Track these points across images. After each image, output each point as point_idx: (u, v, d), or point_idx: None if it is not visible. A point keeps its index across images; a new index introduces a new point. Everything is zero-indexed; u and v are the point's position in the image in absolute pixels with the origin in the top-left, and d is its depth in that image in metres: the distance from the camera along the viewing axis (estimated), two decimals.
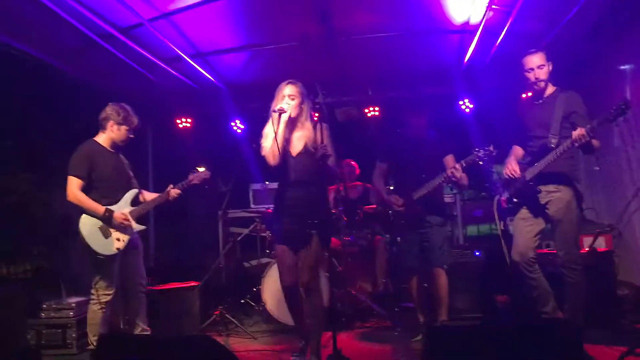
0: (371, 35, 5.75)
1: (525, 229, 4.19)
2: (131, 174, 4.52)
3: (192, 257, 7.20)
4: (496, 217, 4.44)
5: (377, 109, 7.45)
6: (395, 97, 7.29)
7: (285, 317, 5.42)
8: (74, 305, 4.95)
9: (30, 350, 4.71)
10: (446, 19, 5.46)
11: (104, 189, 4.31)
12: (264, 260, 6.23)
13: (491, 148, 4.36)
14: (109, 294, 4.26)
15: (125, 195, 4.42)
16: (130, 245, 4.37)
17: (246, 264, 7.00)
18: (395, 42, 5.97)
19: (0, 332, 4.61)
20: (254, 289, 5.98)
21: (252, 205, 7.30)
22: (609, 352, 3.89)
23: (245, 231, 6.73)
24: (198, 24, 5.30)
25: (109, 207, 4.26)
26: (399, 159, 4.93)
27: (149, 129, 7.76)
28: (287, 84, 4.14)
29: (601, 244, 5.20)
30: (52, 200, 5.74)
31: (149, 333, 4.54)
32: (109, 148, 4.44)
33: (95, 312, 4.26)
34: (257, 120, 7.25)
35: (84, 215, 4.23)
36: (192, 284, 5.55)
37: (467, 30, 5.66)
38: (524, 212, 4.24)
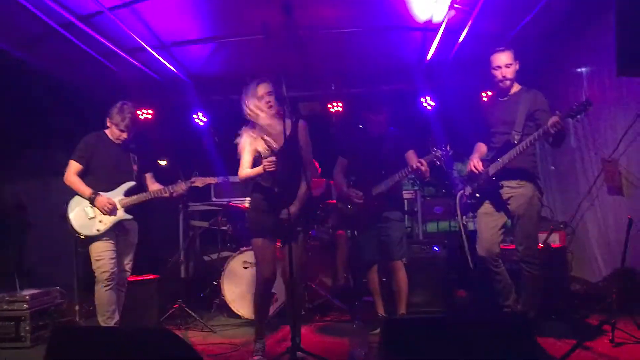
0: (335, 30, 5.77)
1: (489, 224, 4.25)
2: (135, 167, 4.66)
3: (152, 250, 7.10)
4: (458, 213, 4.51)
5: (340, 104, 7.47)
6: (359, 92, 7.34)
7: (244, 311, 5.42)
8: (27, 297, 4.82)
9: None
10: (409, 17, 5.52)
11: (100, 177, 4.50)
12: (224, 254, 6.19)
13: (448, 147, 4.43)
14: (105, 271, 4.35)
15: (120, 186, 4.55)
16: (118, 229, 4.51)
17: (206, 258, 6.95)
18: (359, 38, 6.01)
19: None
20: (214, 283, 5.94)
21: (213, 199, 7.25)
22: (559, 345, 4.01)
23: (206, 224, 6.68)
24: (161, 14, 5.22)
25: (99, 192, 4.40)
26: (359, 155, 4.97)
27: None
28: (260, 82, 4.04)
29: (555, 240, 5.33)
30: (3, 190, 5.59)
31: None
32: (114, 140, 4.57)
33: (99, 291, 4.38)
34: (220, 113, 7.28)
35: (76, 197, 4.45)
36: (151, 277, 5.49)
37: (429, 28, 5.73)
38: (487, 207, 4.30)
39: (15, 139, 5.65)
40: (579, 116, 3.73)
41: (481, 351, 2.69)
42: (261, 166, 3.94)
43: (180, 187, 4.61)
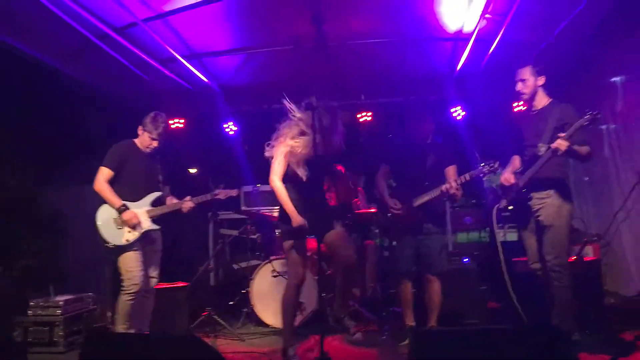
0: (365, 40, 5.77)
1: (534, 242, 4.32)
2: (160, 178, 4.73)
3: (182, 257, 7.17)
4: (495, 226, 4.47)
5: (369, 114, 7.46)
6: (388, 103, 7.33)
7: (273, 320, 5.43)
8: (61, 303, 4.92)
9: (17, 347, 4.68)
10: (440, 27, 5.50)
11: (129, 186, 4.51)
12: (253, 262, 6.23)
13: (496, 165, 4.40)
14: (135, 284, 4.38)
15: (147, 196, 4.59)
16: (145, 240, 4.54)
17: (235, 266, 6.99)
18: (389, 49, 6.00)
19: None
20: (243, 291, 5.97)
21: (242, 207, 7.29)
22: None
23: (235, 233, 6.73)
24: (193, 25, 5.30)
25: (126, 202, 4.43)
26: (404, 163, 4.89)
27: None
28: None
29: (589, 253, 5.23)
30: (41, 198, 5.71)
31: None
32: (142, 149, 4.62)
33: (123, 302, 4.40)
34: (250, 123, 7.34)
35: (104, 205, 4.46)
36: (181, 284, 5.55)
37: (460, 38, 5.70)
38: (530, 226, 4.34)
39: (51, 147, 5.77)
40: (590, 126, 3.84)
41: None
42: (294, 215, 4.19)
43: (187, 204, 4.69)
